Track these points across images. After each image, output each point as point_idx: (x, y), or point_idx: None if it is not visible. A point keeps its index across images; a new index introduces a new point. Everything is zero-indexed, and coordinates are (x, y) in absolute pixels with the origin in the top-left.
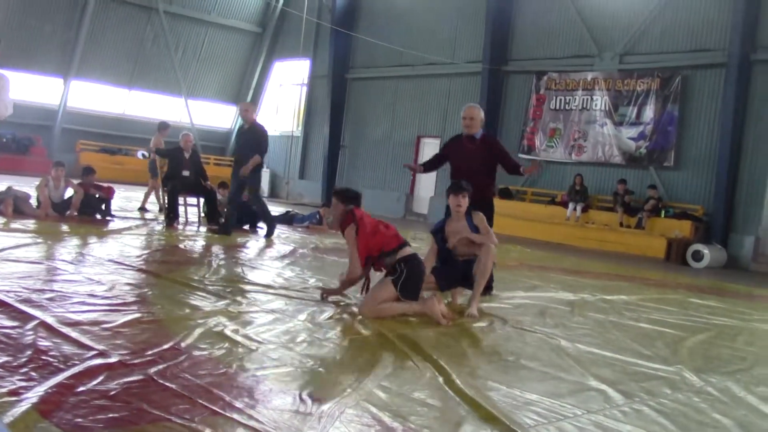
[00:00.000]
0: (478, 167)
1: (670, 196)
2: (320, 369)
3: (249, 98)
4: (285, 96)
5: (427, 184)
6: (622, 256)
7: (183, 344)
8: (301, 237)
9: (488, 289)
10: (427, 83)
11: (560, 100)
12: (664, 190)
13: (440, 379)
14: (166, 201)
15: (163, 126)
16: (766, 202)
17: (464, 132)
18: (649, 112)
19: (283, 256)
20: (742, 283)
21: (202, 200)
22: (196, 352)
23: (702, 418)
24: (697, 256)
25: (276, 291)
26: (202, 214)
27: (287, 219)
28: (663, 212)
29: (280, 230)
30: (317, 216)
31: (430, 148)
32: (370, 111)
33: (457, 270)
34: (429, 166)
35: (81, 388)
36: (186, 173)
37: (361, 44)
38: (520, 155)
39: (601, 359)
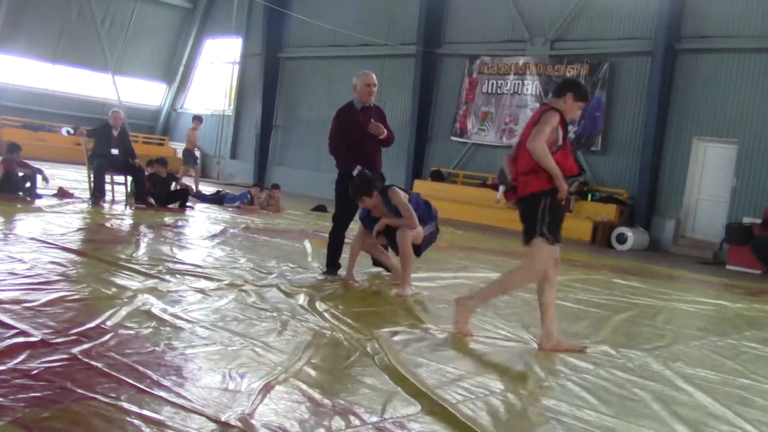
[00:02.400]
0: (376, 139)
1: (597, 180)
2: (250, 347)
3: (179, 76)
4: (216, 74)
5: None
6: None
7: (109, 323)
8: (231, 217)
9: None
10: (361, 64)
11: (492, 84)
12: (591, 174)
13: (371, 357)
14: (93, 179)
15: (197, 119)
16: (687, 187)
17: (363, 102)
18: None
19: (213, 236)
20: (663, 265)
21: (129, 179)
22: (123, 331)
23: (622, 392)
24: (622, 239)
25: (206, 270)
26: (130, 192)
27: (218, 199)
28: (589, 196)
29: (210, 210)
30: (248, 196)
31: None
32: (304, 91)
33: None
34: (345, 155)
35: (1, 368)
36: (114, 151)
37: (294, 23)
38: (453, 138)
39: (528, 337)
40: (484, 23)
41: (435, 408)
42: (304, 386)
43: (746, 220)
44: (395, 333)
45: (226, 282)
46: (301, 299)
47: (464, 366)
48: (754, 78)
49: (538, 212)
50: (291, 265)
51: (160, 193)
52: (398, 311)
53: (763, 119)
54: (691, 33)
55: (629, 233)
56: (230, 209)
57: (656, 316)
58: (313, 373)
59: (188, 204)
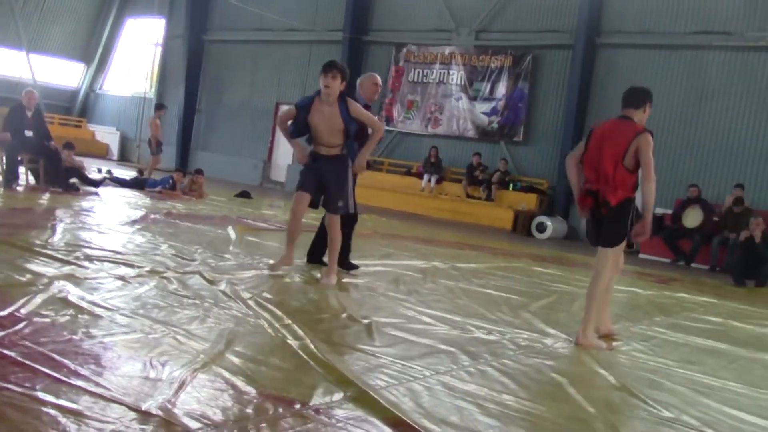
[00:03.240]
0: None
1: (519, 170)
2: (172, 335)
3: (98, 56)
4: (137, 56)
5: (284, 151)
6: (472, 226)
7: (23, 311)
8: (153, 202)
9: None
10: (287, 49)
11: (418, 72)
12: (514, 164)
13: (295, 344)
14: (5, 162)
15: (160, 106)
16: None
17: (368, 101)
18: (501, 89)
19: (134, 222)
20: (580, 253)
21: (43, 161)
22: (38, 319)
23: (540, 377)
24: (541, 228)
25: (125, 257)
26: (43, 176)
27: (138, 183)
28: (511, 186)
29: (130, 195)
30: (170, 181)
31: None
32: (228, 75)
33: (317, 174)
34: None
35: None
36: (28, 133)
37: (220, 5)
38: None
39: (451, 323)
40: (411, 12)
41: (359, 394)
42: (227, 374)
43: (658, 210)
44: (319, 320)
45: (146, 269)
46: (224, 286)
47: (388, 352)
48: (669, 73)
49: (627, 219)
50: (214, 251)
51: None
52: (323, 299)
53: (676, 113)
54: (611, 28)
55: (548, 222)
56: (152, 194)
57: (573, 303)
58: (236, 360)
59: (73, 184)
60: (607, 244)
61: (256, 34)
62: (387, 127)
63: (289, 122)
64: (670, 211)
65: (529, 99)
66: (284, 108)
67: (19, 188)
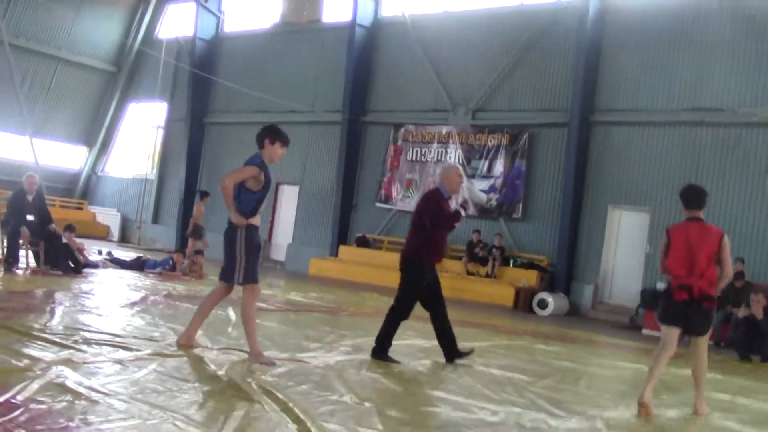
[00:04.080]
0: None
1: (519, 246)
2: (171, 421)
3: (100, 139)
4: (139, 138)
5: (285, 230)
6: (473, 303)
7: (19, 397)
8: (152, 283)
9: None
10: (286, 130)
11: (417, 151)
12: (513, 240)
13: (295, 428)
14: (6, 245)
15: (203, 194)
16: (604, 254)
17: (451, 192)
18: (499, 166)
19: (133, 304)
20: (583, 330)
21: (44, 244)
22: (34, 406)
23: None
24: (543, 304)
25: (124, 340)
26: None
27: (138, 265)
28: (511, 262)
29: (130, 276)
30: (170, 262)
31: (288, 196)
32: (229, 156)
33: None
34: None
35: None
36: (30, 217)
37: (220, 89)
38: (378, 204)
39: (454, 404)
40: (409, 92)
41: None
42: None
43: (660, 285)
44: (320, 403)
45: (145, 352)
46: (224, 370)
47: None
48: (663, 150)
49: (712, 314)
50: (214, 333)
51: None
52: (323, 381)
53: (672, 189)
54: (604, 106)
55: (550, 299)
56: (151, 275)
57: (578, 381)
58: None
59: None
60: (705, 331)
61: (256, 116)
62: (386, 206)
63: (248, 184)
64: None
65: (526, 176)
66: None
67: (19, 271)
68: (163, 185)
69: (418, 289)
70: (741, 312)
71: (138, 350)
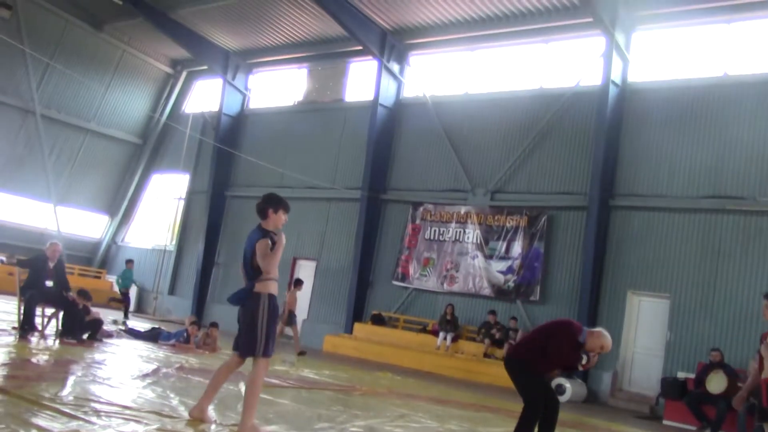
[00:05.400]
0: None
1: None
2: None
3: (123, 209)
4: (161, 209)
5: (300, 304)
6: (491, 387)
7: None
8: (165, 355)
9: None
10: (306, 205)
11: (435, 230)
12: (531, 323)
13: None
14: (23, 311)
15: (298, 282)
16: (623, 340)
17: (585, 346)
18: (517, 248)
19: (145, 375)
20: (602, 418)
21: (61, 313)
22: None
23: None
24: (560, 390)
25: (134, 413)
26: (60, 328)
27: (153, 336)
28: None
29: (143, 347)
30: (185, 334)
31: (305, 270)
32: (248, 229)
33: None
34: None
35: None
36: (49, 283)
37: (242, 162)
38: (394, 282)
39: None
40: (429, 172)
41: None
42: None
43: (681, 374)
44: None
45: (155, 426)
46: None
47: None
48: (683, 236)
49: None
50: (223, 409)
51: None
52: None
53: (692, 275)
54: (624, 191)
55: (567, 384)
56: (165, 347)
57: None
58: None
59: (98, 337)
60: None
61: (277, 191)
62: (402, 284)
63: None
64: (693, 375)
65: (545, 258)
66: (302, 268)
67: (34, 338)
68: (181, 256)
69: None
70: None
71: (147, 424)
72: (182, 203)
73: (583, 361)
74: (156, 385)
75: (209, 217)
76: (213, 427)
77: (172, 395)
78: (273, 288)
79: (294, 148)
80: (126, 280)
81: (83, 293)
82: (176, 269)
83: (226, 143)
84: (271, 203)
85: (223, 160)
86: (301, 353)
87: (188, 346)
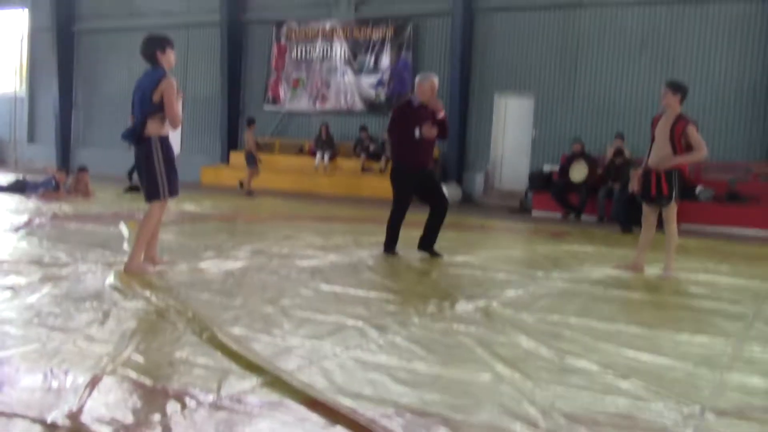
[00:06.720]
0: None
1: None
2: (71, 342)
3: None
4: (2, 52)
5: (173, 140)
6: (371, 199)
7: None
8: (36, 206)
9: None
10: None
11: (301, 49)
12: None
13: (201, 336)
14: None
15: (250, 121)
16: (492, 141)
17: (421, 100)
18: (385, 60)
19: (18, 228)
20: (476, 216)
21: None
22: None
23: (448, 341)
24: None
25: (13, 265)
26: None
27: (19, 187)
28: None
29: (11, 200)
30: (53, 182)
31: None
32: (104, 66)
33: None
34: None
35: None
36: None
37: None
38: (266, 107)
39: (356, 298)
40: None
41: (271, 379)
42: (133, 374)
43: (546, 167)
44: (223, 309)
45: (37, 275)
46: (121, 285)
47: (297, 334)
48: (544, 34)
49: None
50: (107, 250)
51: None
52: (225, 288)
53: (553, 72)
54: None
55: (443, 189)
56: (34, 197)
57: (474, 268)
58: (141, 359)
59: None
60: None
61: (129, 21)
62: (274, 107)
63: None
64: (557, 167)
65: (413, 68)
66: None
67: None
68: (34, 101)
69: (404, 191)
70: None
71: (29, 274)
72: (26, 43)
73: (416, 134)
74: (31, 236)
75: (58, 55)
76: (95, 267)
77: (49, 244)
78: (165, 130)
79: None
80: None
81: None
82: (32, 115)
83: None
84: (155, 44)
85: None
86: (249, 193)
87: (58, 194)
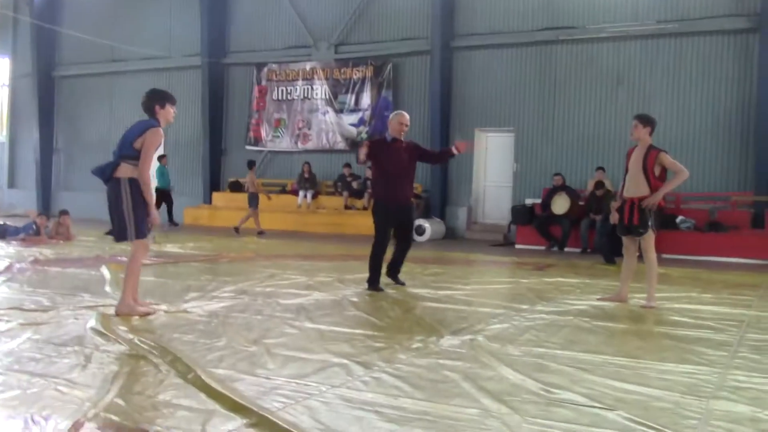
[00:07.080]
0: (407, 169)
1: None
2: (53, 387)
3: None
4: None
5: (154, 182)
6: (354, 237)
7: None
8: (16, 251)
9: None
10: (145, 78)
11: (282, 90)
12: None
13: (185, 377)
14: None
15: (251, 164)
16: (474, 176)
17: (393, 136)
18: (366, 99)
19: None
20: (460, 251)
21: None
22: None
23: (433, 376)
24: (420, 231)
25: None
26: None
27: None
28: None
29: None
30: (33, 226)
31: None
32: (85, 111)
33: None
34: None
35: None
36: None
37: (66, 39)
38: (248, 147)
39: (341, 336)
40: (268, 30)
41: (257, 420)
42: (116, 418)
43: (528, 201)
44: (206, 350)
45: (17, 321)
46: (103, 329)
47: (281, 373)
48: (522, 70)
49: None
50: (89, 294)
51: None
52: (207, 329)
53: (532, 107)
54: (463, 31)
55: (426, 225)
56: (14, 243)
57: (458, 301)
58: (123, 403)
59: None
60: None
61: (110, 66)
62: (256, 148)
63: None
64: (539, 200)
65: (394, 106)
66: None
67: None
68: (15, 147)
69: (383, 225)
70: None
71: (9, 321)
72: (7, 90)
73: (361, 156)
74: (12, 281)
75: (39, 101)
76: (76, 312)
77: (29, 289)
78: (133, 173)
79: (122, 17)
80: None
81: None
82: (12, 161)
83: (44, 19)
84: (156, 99)
85: (44, 39)
86: (260, 233)
87: (39, 238)
